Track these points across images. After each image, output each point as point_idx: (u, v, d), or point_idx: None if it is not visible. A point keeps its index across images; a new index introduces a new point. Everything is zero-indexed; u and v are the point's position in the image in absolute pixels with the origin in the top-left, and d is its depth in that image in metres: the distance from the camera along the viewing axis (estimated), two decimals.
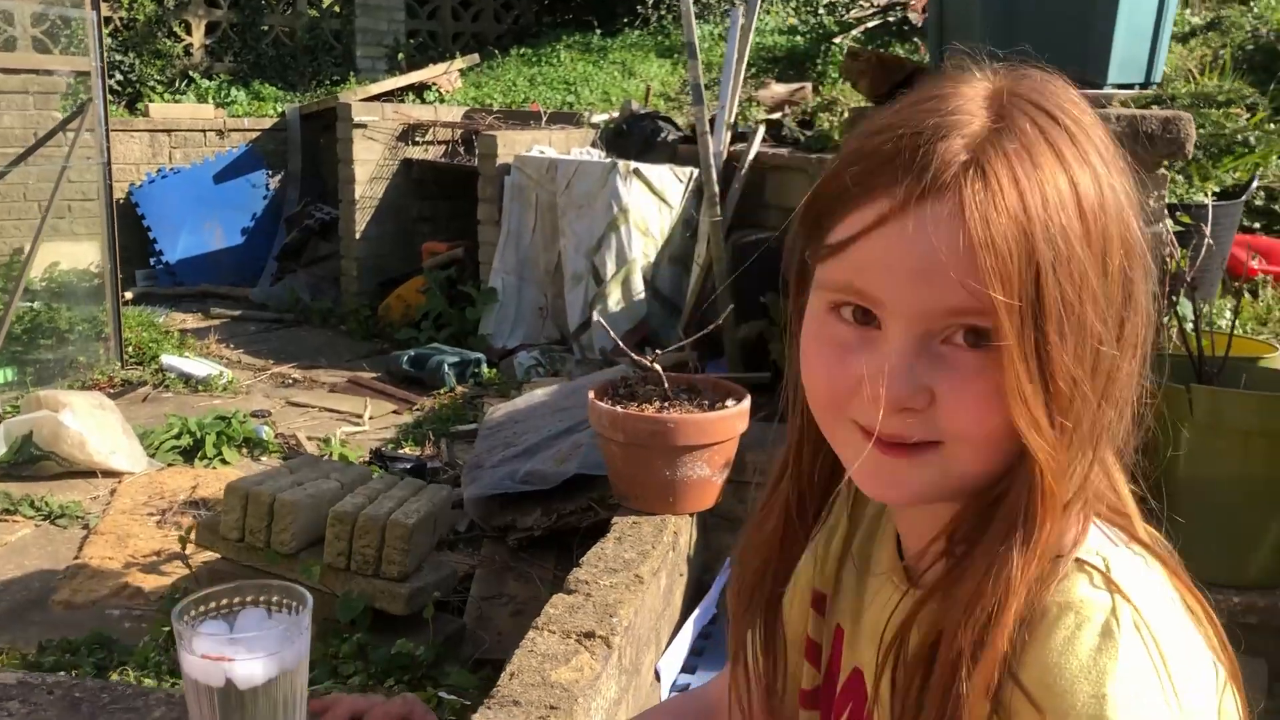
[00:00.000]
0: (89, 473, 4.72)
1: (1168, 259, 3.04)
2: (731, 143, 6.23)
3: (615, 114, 7.65)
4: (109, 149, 6.44)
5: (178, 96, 9.59)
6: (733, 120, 6.34)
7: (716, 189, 5.88)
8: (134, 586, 3.71)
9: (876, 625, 0.87)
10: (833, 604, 0.96)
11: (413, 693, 2.82)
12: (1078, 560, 0.75)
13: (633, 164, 6.25)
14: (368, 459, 4.93)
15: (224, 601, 0.98)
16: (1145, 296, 0.76)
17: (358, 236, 7.76)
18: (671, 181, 6.34)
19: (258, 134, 9.03)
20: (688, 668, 2.65)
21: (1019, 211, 0.70)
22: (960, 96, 0.76)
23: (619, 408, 2.69)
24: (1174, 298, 3.09)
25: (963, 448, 0.74)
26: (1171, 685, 0.70)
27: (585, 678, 1.90)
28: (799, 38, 9.28)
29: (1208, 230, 3.26)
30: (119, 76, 9.36)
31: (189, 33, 10.07)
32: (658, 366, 2.71)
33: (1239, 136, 4.77)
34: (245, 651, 0.92)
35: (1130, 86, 2.60)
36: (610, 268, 6.24)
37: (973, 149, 0.72)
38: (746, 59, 6.44)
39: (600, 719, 1.92)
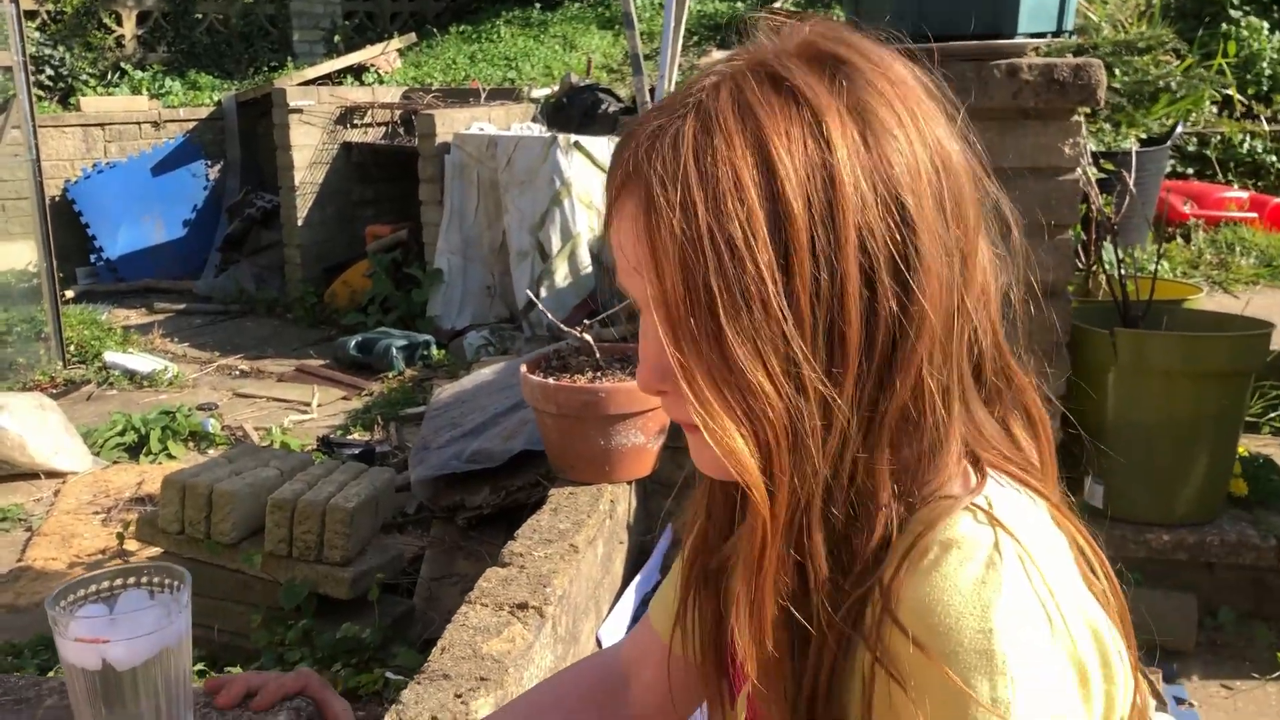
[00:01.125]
0: (31, 474, 4.65)
1: (1090, 206, 3.07)
2: None
3: (555, 88, 7.60)
4: (37, 145, 6.32)
5: (111, 89, 9.42)
6: (673, 89, 6.32)
7: None
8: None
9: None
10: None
11: (361, 674, 2.82)
12: (959, 500, 0.74)
13: (574, 137, 6.22)
14: (315, 446, 4.90)
15: (104, 585, 0.97)
16: (934, 250, 0.71)
17: (300, 223, 7.68)
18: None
19: (194, 124, 8.89)
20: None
21: (650, 205, 0.71)
22: (700, 84, 0.74)
23: (550, 380, 2.69)
24: (1099, 243, 3.13)
25: (707, 434, 0.72)
26: (1060, 615, 0.70)
27: (517, 648, 1.90)
28: (739, 4, 9.25)
29: (1131, 177, 3.29)
30: (49, 71, 9.18)
31: (120, 24, 9.89)
32: (587, 337, 2.70)
33: (1163, 83, 4.83)
34: (122, 632, 0.91)
35: (1043, 35, 2.62)
36: (555, 243, 6.22)
37: (649, 139, 0.73)
38: (684, 26, 6.41)
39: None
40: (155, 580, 0.98)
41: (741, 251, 0.68)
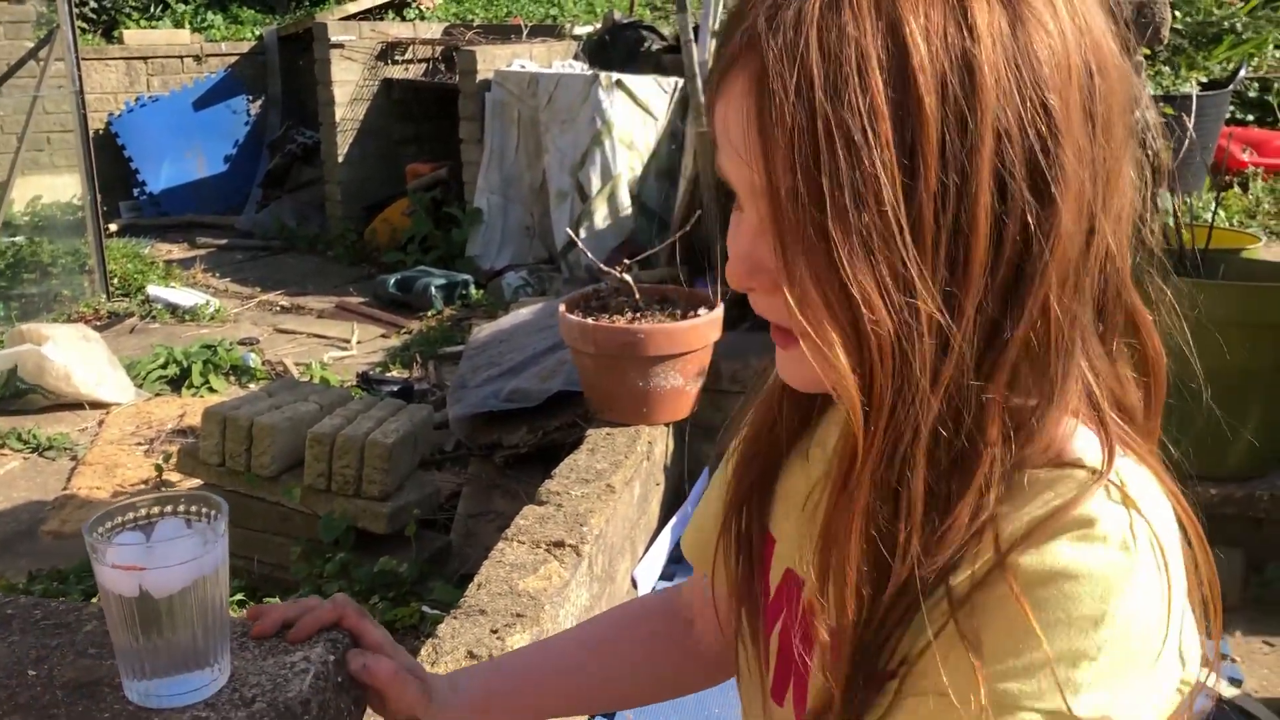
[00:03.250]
0: (76, 405, 4.71)
1: (1149, 152, 2.98)
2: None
3: (598, 25, 7.50)
4: (80, 77, 6.33)
5: (154, 22, 9.41)
6: (717, 27, 6.21)
7: (702, 99, 5.78)
8: None
9: (793, 495, 0.85)
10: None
11: (398, 608, 2.84)
12: (1095, 472, 0.69)
13: (615, 75, 6.13)
14: (354, 382, 4.93)
15: (141, 513, 0.96)
16: (1077, 164, 0.64)
17: (340, 160, 7.66)
18: (656, 92, 6.23)
19: (236, 58, 8.87)
20: (665, 575, 2.66)
21: (763, 85, 0.64)
22: None
23: (590, 320, 2.66)
24: (1155, 190, 3.04)
25: (805, 344, 0.67)
26: (1168, 610, 0.67)
27: (553, 586, 1.90)
28: None
29: (1190, 121, 3.19)
30: (93, 4, 9.18)
31: None
32: (627, 277, 2.67)
33: (1227, 24, 4.67)
34: (159, 560, 0.90)
35: None
36: (595, 184, 6.16)
37: (769, 9, 0.65)
38: None
39: (571, 625, 1.93)
40: (192, 509, 0.97)
41: (860, 145, 0.62)
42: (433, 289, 6.23)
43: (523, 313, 4.90)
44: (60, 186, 6.89)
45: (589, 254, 3.01)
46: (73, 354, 4.76)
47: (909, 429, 0.66)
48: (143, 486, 3.92)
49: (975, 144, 0.62)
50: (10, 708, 0.92)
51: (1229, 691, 2.43)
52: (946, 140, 0.62)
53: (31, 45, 6.72)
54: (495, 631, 1.75)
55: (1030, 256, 0.65)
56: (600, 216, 6.17)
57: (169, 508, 0.97)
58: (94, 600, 1.12)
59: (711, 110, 0.71)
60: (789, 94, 0.63)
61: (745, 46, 0.66)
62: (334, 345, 5.74)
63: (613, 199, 6.16)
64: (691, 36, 5.86)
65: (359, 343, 5.77)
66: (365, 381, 4.87)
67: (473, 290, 6.33)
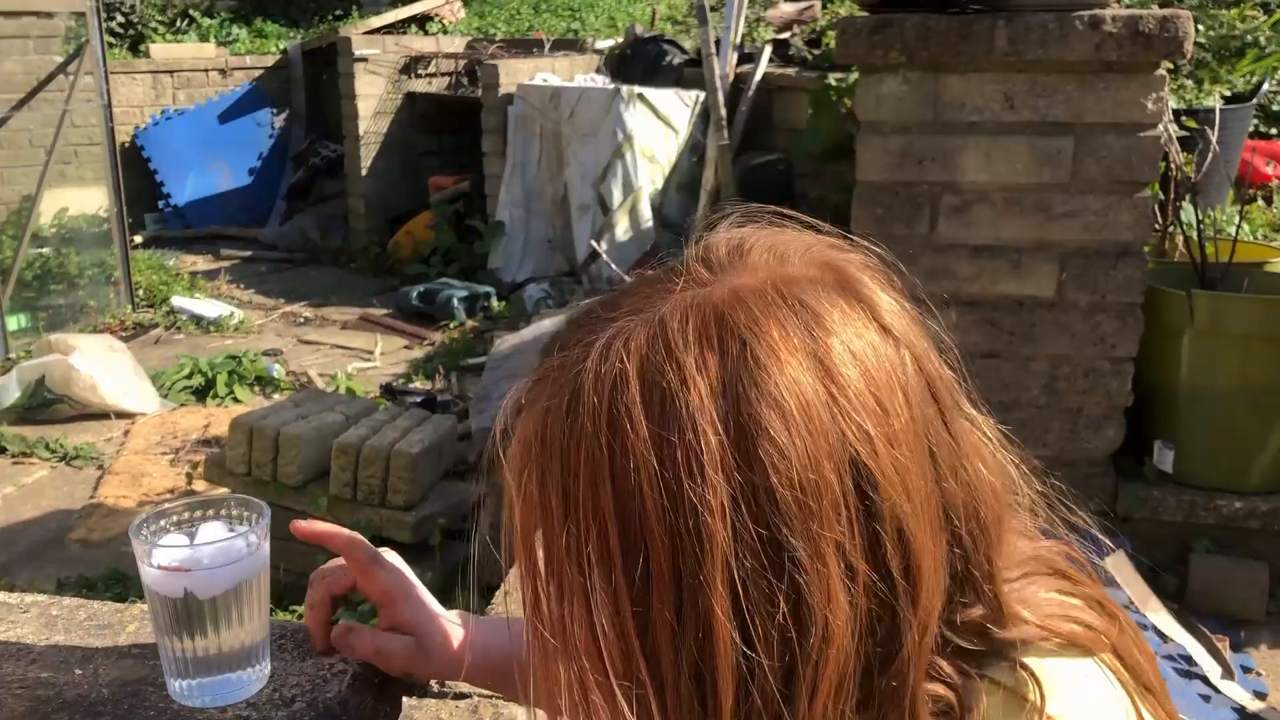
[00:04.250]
0: (102, 415, 4.76)
1: (1170, 165, 2.98)
2: (738, 64, 6.14)
3: (620, 39, 7.54)
4: (109, 91, 6.41)
5: (179, 36, 9.51)
6: (739, 41, 6.24)
7: (723, 112, 5.80)
8: None
9: None
10: None
11: None
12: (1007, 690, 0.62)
13: (637, 89, 6.17)
14: (378, 393, 4.96)
15: (184, 515, 0.98)
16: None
17: (364, 173, 7.72)
18: (677, 106, 6.26)
19: (261, 72, 8.96)
20: None
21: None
22: (619, 328, 0.62)
23: None
24: (1178, 203, 3.05)
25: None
26: None
27: None
28: None
29: (1214, 135, 3.19)
30: (120, 18, 9.29)
31: None
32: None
33: (1250, 38, 4.66)
34: (205, 562, 0.92)
35: None
36: (617, 196, 6.19)
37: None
38: None
39: None
40: (234, 512, 0.99)
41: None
42: (455, 301, 6.26)
43: (544, 324, 4.92)
44: (87, 199, 6.96)
45: (613, 265, 3.03)
46: (99, 364, 4.81)
47: None
48: (169, 495, 3.96)
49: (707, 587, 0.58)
50: (58, 705, 0.94)
51: (1254, 705, 2.42)
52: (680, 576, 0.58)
53: (60, 60, 6.81)
54: None
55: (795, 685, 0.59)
56: (622, 229, 6.19)
57: (211, 511, 1.00)
58: (133, 603, 1.15)
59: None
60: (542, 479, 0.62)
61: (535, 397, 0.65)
62: (357, 356, 5.78)
63: (634, 212, 6.19)
64: (713, 50, 5.88)
65: (382, 354, 5.81)
66: (389, 393, 4.90)
67: (494, 302, 6.36)
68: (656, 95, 6.17)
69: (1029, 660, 0.64)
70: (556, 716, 0.64)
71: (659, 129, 6.21)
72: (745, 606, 0.57)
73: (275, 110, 8.93)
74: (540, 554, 0.63)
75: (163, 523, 0.97)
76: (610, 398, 0.60)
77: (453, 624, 1.02)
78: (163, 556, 0.93)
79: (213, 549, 0.94)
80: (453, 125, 7.85)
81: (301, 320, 6.51)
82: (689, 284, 0.64)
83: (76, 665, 1.00)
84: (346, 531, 1.01)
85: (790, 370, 0.59)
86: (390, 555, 1.03)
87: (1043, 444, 2.80)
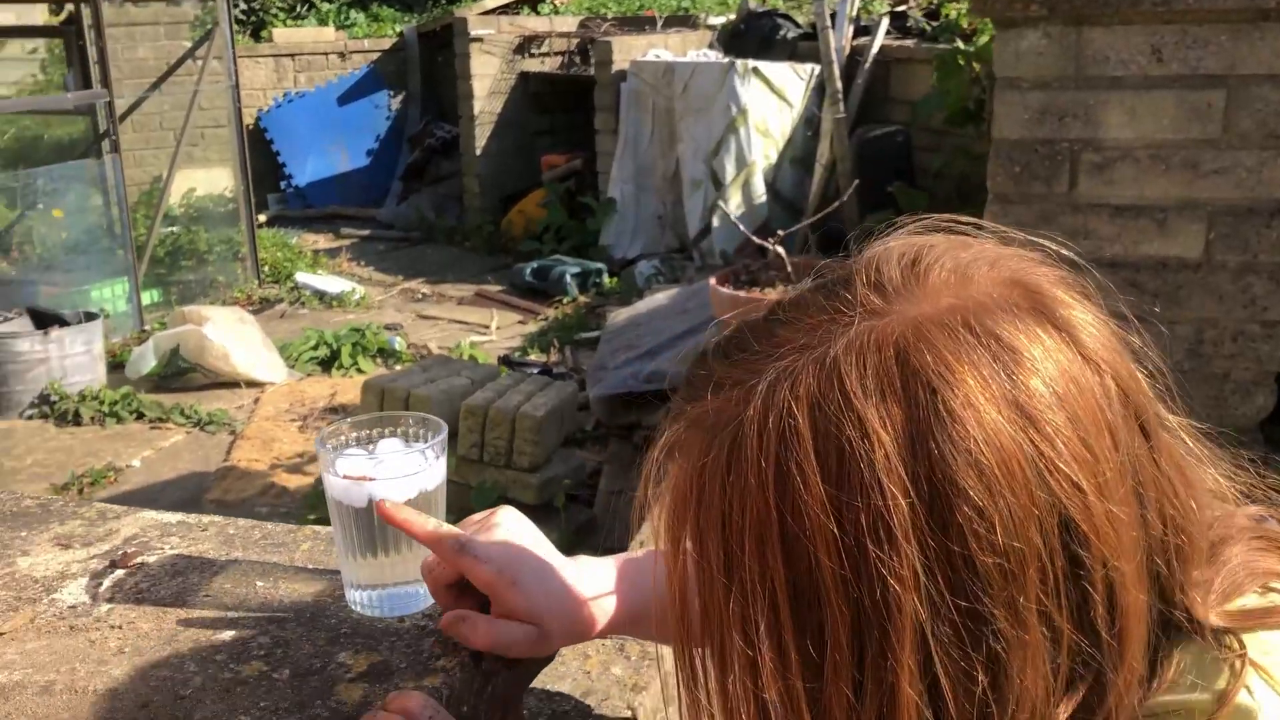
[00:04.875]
0: (233, 383, 4.92)
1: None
2: (854, 36, 6.04)
3: (733, 14, 7.49)
4: (236, 72, 6.60)
5: (299, 21, 9.75)
6: (855, 14, 6.14)
7: (839, 85, 5.72)
8: (279, 486, 3.87)
9: None
10: None
11: None
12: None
13: (751, 63, 6.12)
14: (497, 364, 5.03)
15: (364, 432, 1.00)
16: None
17: (478, 153, 7.82)
18: (792, 79, 6.19)
19: (378, 55, 9.13)
20: None
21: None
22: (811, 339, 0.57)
23: (741, 293, 2.66)
24: None
25: None
26: None
27: None
28: None
29: None
30: (242, 5, 9.55)
31: None
32: (780, 249, 2.66)
33: None
34: (387, 471, 0.94)
35: None
36: (730, 171, 6.16)
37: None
38: None
39: None
40: (411, 430, 1.00)
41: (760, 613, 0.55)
42: (567, 277, 6.31)
43: (658, 297, 4.93)
44: (214, 179, 7.19)
45: (740, 225, 3.01)
46: (230, 335, 4.96)
47: None
48: (299, 459, 4.07)
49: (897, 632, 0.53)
50: (245, 612, 0.97)
51: None
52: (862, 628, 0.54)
53: (189, 45, 7.04)
54: None
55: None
56: (734, 204, 6.16)
57: (390, 428, 1.01)
58: (304, 526, 1.17)
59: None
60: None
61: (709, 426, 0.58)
62: (474, 330, 5.87)
63: (747, 187, 6.15)
64: (829, 23, 5.80)
65: (498, 328, 5.89)
66: (507, 364, 4.96)
67: (606, 279, 6.39)
68: (771, 69, 6.12)
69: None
70: None
71: (773, 103, 6.15)
72: (938, 682, 0.52)
73: (392, 92, 9.10)
74: (696, 618, 0.57)
75: (343, 438, 0.99)
76: (778, 453, 0.54)
77: (578, 592, 0.93)
78: (347, 465, 0.95)
79: (394, 460, 0.96)
80: (565, 104, 7.90)
81: (419, 296, 6.63)
82: (861, 314, 0.56)
83: (257, 578, 1.03)
84: (430, 524, 0.91)
85: (988, 422, 0.52)
86: (507, 515, 0.94)
87: (1187, 411, 2.69)
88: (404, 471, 0.95)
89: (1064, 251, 0.63)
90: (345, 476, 0.94)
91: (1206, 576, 0.62)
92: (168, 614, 0.97)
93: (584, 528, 3.19)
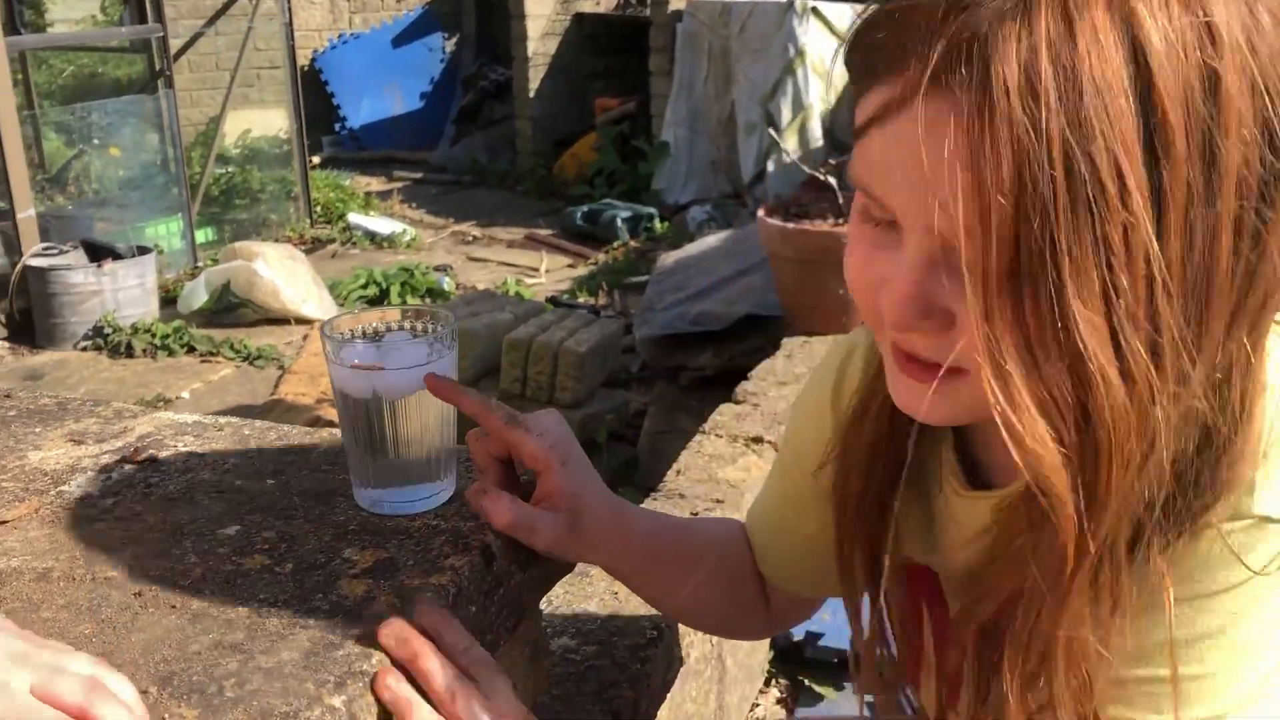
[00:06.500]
0: (282, 320, 4.94)
1: None
2: None
3: None
4: (290, 10, 6.58)
5: None
6: None
7: None
8: (326, 419, 3.89)
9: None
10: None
11: None
12: None
13: (811, 2, 5.98)
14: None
15: (370, 325, 0.96)
16: None
17: (531, 96, 7.75)
18: (852, 19, 6.04)
19: None
20: None
21: (984, 115, 0.52)
22: None
23: (790, 224, 2.60)
24: None
25: (1002, 415, 0.57)
26: None
27: (752, 478, 1.87)
28: None
29: None
30: None
31: None
32: (831, 179, 2.59)
33: None
34: (393, 361, 0.90)
35: None
36: (786, 115, 6.04)
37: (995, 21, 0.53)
38: None
39: None
40: (419, 324, 0.97)
41: (1107, 185, 0.51)
42: (618, 221, 6.25)
43: (710, 240, 4.86)
44: (268, 120, 7.20)
45: (788, 152, 2.93)
46: (281, 271, 4.98)
47: (1131, 520, 0.58)
48: None
49: (1221, 173, 0.53)
50: (252, 508, 0.95)
51: None
52: (1190, 176, 0.52)
53: None
54: (695, 514, 1.73)
55: (1253, 295, 0.56)
56: (790, 148, 6.04)
57: (394, 320, 0.98)
58: (321, 429, 1.14)
59: (876, 131, 0.59)
60: (1021, 129, 0.52)
61: (955, 71, 0.53)
62: (523, 273, 5.84)
63: (804, 130, 6.03)
64: None
65: (547, 271, 5.86)
66: (555, 305, 4.94)
67: (657, 224, 6.33)
68: (832, 9, 5.97)
69: None
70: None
71: (833, 44, 6.01)
72: (1238, 206, 0.54)
73: (446, 35, 9.04)
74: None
75: (347, 331, 0.96)
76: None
77: (616, 505, 0.94)
78: (352, 354, 0.91)
79: (400, 349, 0.92)
80: (618, 46, 7.79)
81: (470, 239, 6.61)
82: None
83: (269, 476, 1.00)
84: (478, 395, 0.90)
85: None
86: (548, 415, 0.93)
87: None
88: (412, 361, 0.91)
89: None
90: (351, 366, 0.90)
91: None
92: (174, 508, 0.95)
93: (625, 466, 3.16)
